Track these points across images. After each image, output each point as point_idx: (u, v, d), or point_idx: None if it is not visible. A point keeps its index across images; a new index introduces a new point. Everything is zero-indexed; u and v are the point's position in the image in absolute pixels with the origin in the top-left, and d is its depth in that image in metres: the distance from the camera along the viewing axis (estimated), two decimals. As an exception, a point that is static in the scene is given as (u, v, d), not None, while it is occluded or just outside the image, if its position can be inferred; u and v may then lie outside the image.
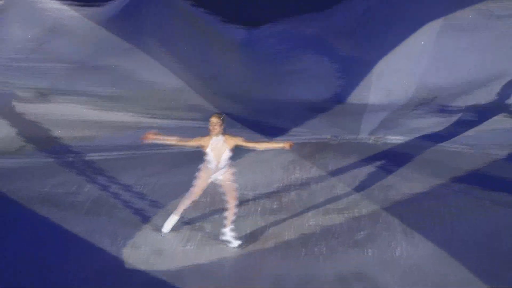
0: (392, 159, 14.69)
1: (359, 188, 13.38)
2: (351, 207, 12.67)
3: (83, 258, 11.14)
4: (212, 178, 11.22)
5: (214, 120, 10.76)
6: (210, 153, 10.99)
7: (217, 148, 10.96)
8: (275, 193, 13.25)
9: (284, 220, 12.19)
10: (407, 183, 13.46)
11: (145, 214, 12.48)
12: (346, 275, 10.67)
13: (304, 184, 13.59)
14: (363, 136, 16.64)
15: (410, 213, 12.38)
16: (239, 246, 11.17)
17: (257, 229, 12.03)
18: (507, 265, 10.72)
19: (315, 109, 18.95)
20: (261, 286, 10.44)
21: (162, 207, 12.76)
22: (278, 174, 13.82)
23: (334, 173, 14.10)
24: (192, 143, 11.05)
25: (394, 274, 10.66)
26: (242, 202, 12.68)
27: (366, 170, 14.21)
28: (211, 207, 12.68)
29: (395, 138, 16.44)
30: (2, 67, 18.67)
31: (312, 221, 12.12)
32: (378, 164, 14.45)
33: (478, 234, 11.64)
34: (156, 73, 19.49)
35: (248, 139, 10.93)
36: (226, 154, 10.93)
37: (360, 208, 12.59)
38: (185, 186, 12.80)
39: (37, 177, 14.02)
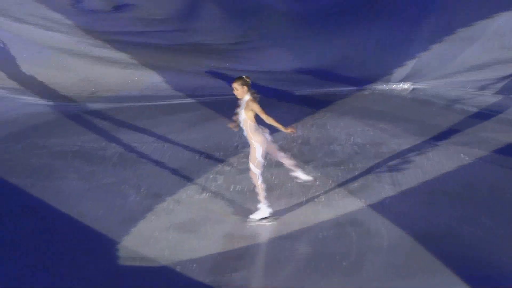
0: (382, 118, 14.62)
1: (354, 145, 13.42)
2: (346, 161, 12.75)
3: (111, 206, 11.35)
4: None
5: (234, 84, 10.43)
6: (238, 115, 10.63)
7: (239, 110, 10.58)
8: (280, 148, 12.66)
9: (286, 172, 11.99)
10: (395, 140, 13.49)
11: (165, 167, 12.59)
12: (342, 221, 10.83)
13: (305, 141, 13.64)
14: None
15: (398, 166, 12.48)
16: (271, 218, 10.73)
17: (264, 180, 11.54)
18: (481, 211, 10.85)
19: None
20: (267, 230, 10.60)
21: (179, 160, 12.85)
22: (282, 131, 13.56)
23: (332, 131, 14.11)
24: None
25: (384, 220, 10.79)
26: (245, 156, 12.33)
27: (360, 128, 14.12)
28: (223, 162, 12.78)
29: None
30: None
31: (312, 174, 12.05)
32: (370, 123, 14.37)
33: (457, 184, 11.76)
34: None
35: (262, 109, 10.40)
36: (242, 116, 10.53)
37: (354, 162, 12.67)
38: (199, 143, 13.48)
39: (71, 134, 14.15)
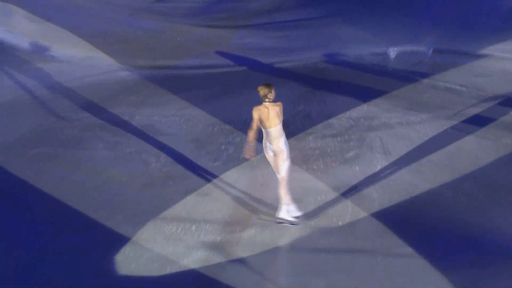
0: (374, 95, 14.34)
1: (349, 118, 13.36)
2: (342, 133, 12.74)
3: (134, 172, 11.50)
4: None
5: (266, 90, 9.54)
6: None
7: (271, 117, 9.64)
8: (283, 122, 12.59)
9: (289, 143, 11.13)
10: (386, 114, 13.40)
11: (183, 138, 12.71)
12: (338, 186, 10.91)
13: (306, 114, 13.60)
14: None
15: (388, 137, 12.48)
16: (294, 220, 9.88)
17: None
18: (464, 178, 11.00)
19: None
20: (272, 194, 10.53)
21: (195, 132, 12.93)
22: (286, 107, 13.21)
23: (330, 106, 14.00)
24: (254, 125, 9.65)
25: (375, 185, 10.92)
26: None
27: (355, 103, 13.93)
28: (233, 134, 12.81)
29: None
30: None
31: (312, 144, 12.26)
32: (364, 98, 14.14)
33: (441, 154, 11.80)
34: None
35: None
36: (278, 122, 9.64)
37: (349, 134, 12.66)
38: (210, 118, 13.44)
39: (97, 109, 14.24)
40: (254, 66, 16.14)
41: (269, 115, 9.50)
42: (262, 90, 9.45)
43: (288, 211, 9.78)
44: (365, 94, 14.34)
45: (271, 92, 9.47)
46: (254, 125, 9.45)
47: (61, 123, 13.36)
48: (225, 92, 14.72)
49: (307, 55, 16.86)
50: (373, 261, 9.30)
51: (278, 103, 9.53)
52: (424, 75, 15.37)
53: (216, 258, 9.25)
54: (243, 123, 12.79)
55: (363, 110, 13.64)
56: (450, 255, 9.30)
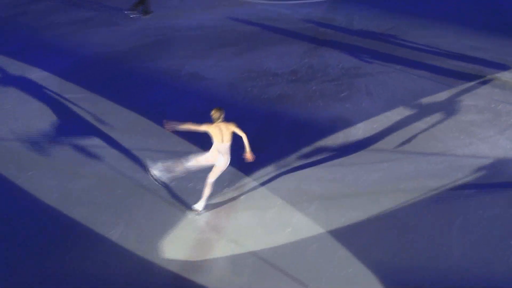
0: (361, 51, 13.89)
1: (341, 68, 13.20)
2: (337, 78, 12.73)
3: (186, 105, 11.53)
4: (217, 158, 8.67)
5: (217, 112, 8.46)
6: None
7: (222, 134, 8.51)
8: (293, 71, 13.02)
9: (297, 86, 12.27)
10: (369, 65, 13.27)
11: (219, 82, 12.59)
12: (334, 118, 11.27)
13: (310, 66, 13.34)
14: None
15: (370, 82, 12.55)
16: (198, 212, 8.79)
17: (282, 91, 12.10)
18: (425, 111, 11.21)
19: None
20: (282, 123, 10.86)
21: (227, 78, 12.75)
22: (295, 59, 13.51)
23: (328, 59, 13.64)
24: (201, 128, 8.47)
25: (361, 118, 11.21)
26: (272, 75, 12.79)
27: (346, 57, 13.61)
28: (256, 79, 12.60)
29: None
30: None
31: (314, 87, 12.36)
32: (353, 54, 13.70)
33: (407, 93, 12.03)
34: None
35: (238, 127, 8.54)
36: (228, 137, 8.53)
37: (342, 79, 12.67)
38: (240, 67, 13.06)
39: (159, 59, 13.76)
40: (270, 29, 15.52)
41: (222, 132, 8.48)
42: (215, 114, 8.47)
43: (204, 204, 8.82)
44: (354, 51, 14.03)
45: (222, 115, 8.47)
46: (198, 128, 8.47)
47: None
48: (250, 49, 14.34)
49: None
50: (362, 171, 9.64)
51: (231, 123, 8.54)
52: (395, 37, 14.88)
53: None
54: (265, 72, 13.01)
55: (352, 62, 13.48)
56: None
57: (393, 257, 7.91)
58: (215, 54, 14.03)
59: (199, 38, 15.04)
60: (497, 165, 9.73)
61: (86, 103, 11.71)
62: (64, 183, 9.41)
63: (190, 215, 8.78)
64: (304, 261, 7.88)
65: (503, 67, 12.96)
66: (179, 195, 9.19)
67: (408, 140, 10.42)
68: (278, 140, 10.57)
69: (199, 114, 9.81)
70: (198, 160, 8.76)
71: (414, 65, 13.21)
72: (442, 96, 11.88)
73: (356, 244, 8.13)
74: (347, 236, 8.28)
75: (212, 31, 15.39)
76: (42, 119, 11.20)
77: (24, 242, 8.23)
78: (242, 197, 9.21)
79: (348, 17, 16.10)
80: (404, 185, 9.32)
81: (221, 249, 8.17)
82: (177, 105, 11.73)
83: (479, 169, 9.62)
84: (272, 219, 8.73)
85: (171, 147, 10.24)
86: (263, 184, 9.45)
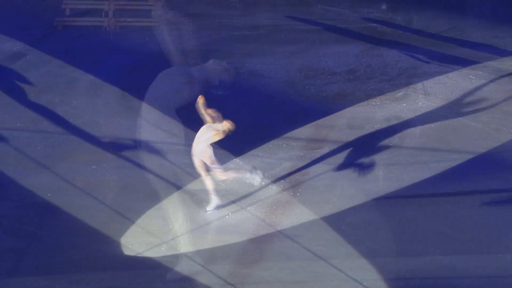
0: (418, 51, 13.55)
1: (399, 67, 12.96)
2: (394, 78, 12.60)
3: (249, 101, 11.87)
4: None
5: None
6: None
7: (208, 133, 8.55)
8: (351, 70, 12.93)
9: (355, 85, 12.29)
10: (427, 65, 12.94)
11: (276, 80, 12.72)
12: (390, 117, 11.26)
13: (368, 65, 13.16)
14: None
15: (427, 82, 12.34)
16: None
17: (340, 90, 12.12)
18: (476, 113, 11.18)
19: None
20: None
21: (285, 77, 12.83)
22: (353, 59, 13.47)
23: (386, 58, 13.34)
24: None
25: (417, 117, 11.21)
26: (330, 74, 12.89)
27: (404, 57, 13.31)
28: (314, 78, 12.78)
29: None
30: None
31: (372, 86, 12.36)
32: (411, 54, 13.34)
33: (464, 94, 11.85)
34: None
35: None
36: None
37: (399, 79, 12.57)
38: (297, 66, 13.01)
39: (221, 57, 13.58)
40: (328, 28, 15.20)
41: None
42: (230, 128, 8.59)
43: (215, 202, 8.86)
44: (412, 50, 13.83)
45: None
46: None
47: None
48: (308, 48, 14.30)
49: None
50: (418, 171, 9.63)
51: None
52: (454, 37, 14.59)
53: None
54: (323, 70, 13.02)
55: (410, 61, 13.33)
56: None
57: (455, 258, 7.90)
58: (273, 52, 14.00)
59: (257, 37, 14.89)
60: None
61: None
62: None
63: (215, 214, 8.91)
64: (358, 260, 7.94)
65: None
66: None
67: (465, 141, 10.41)
68: (334, 138, 10.68)
69: (260, 111, 10.37)
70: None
71: (472, 65, 13.01)
72: (500, 97, 11.74)
73: (413, 242, 8.11)
74: (404, 236, 8.27)
75: (271, 29, 15.21)
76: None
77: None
78: (298, 193, 9.37)
79: (408, 16, 15.76)
80: (462, 186, 9.26)
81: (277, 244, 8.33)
82: (237, 102, 11.83)
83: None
84: (327, 216, 8.79)
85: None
86: (318, 181, 9.55)
